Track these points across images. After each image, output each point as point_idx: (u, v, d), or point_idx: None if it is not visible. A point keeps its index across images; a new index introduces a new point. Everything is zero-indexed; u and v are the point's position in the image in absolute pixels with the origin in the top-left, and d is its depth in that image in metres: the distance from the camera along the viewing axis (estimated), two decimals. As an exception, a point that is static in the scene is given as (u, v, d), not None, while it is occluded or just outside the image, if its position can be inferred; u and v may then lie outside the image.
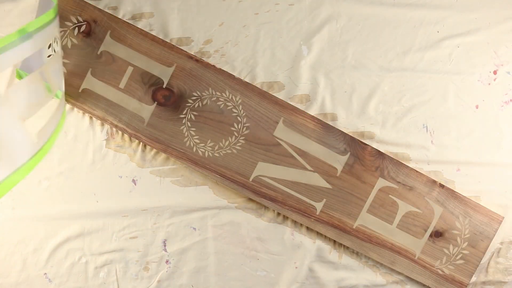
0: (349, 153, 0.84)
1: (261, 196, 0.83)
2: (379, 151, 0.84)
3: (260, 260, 0.86)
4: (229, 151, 0.83)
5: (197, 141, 0.83)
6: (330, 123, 0.85)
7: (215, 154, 0.82)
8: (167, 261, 0.85)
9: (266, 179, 0.83)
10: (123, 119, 0.82)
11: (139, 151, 0.85)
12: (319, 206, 0.84)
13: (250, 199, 0.85)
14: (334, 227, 0.84)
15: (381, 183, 0.84)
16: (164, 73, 0.82)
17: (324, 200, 0.84)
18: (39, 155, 0.64)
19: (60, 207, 0.84)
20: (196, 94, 0.83)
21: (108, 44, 0.82)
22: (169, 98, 0.83)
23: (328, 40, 0.86)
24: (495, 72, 0.87)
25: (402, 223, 0.84)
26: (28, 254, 0.84)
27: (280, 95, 0.85)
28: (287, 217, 0.86)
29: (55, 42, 0.78)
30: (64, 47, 0.82)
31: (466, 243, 0.85)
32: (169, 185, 0.85)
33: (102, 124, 0.84)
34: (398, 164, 0.84)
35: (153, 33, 0.84)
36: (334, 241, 0.86)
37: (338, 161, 0.84)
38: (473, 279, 0.87)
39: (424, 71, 0.87)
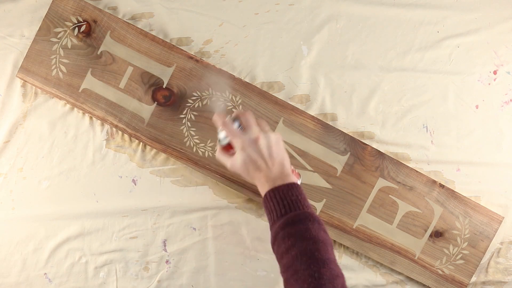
0: (349, 153, 0.84)
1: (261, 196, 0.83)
2: (379, 151, 0.84)
3: (260, 260, 0.86)
4: (229, 151, 0.82)
5: (197, 141, 0.83)
6: (330, 123, 0.85)
7: (215, 154, 0.82)
8: (167, 261, 0.85)
9: (266, 179, 0.83)
10: (123, 119, 0.82)
11: (139, 151, 0.84)
12: (319, 206, 0.84)
13: (250, 199, 0.85)
14: (334, 227, 0.84)
15: (381, 183, 0.84)
16: (164, 73, 0.82)
17: (324, 200, 0.84)
18: None
19: (60, 207, 0.84)
20: (196, 94, 0.83)
21: (108, 44, 0.82)
22: (169, 98, 0.82)
23: (328, 40, 0.86)
24: (495, 72, 0.87)
25: (402, 223, 0.84)
26: (28, 254, 0.84)
27: (280, 95, 0.85)
28: (287, 217, 0.85)
29: None
30: (64, 47, 0.82)
31: (466, 243, 0.85)
32: (169, 185, 0.85)
33: (102, 124, 0.84)
34: (398, 164, 0.84)
35: (153, 33, 0.83)
36: (334, 241, 0.86)
37: (338, 161, 0.84)
38: (473, 279, 0.87)
39: (424, 71, 0.87)
